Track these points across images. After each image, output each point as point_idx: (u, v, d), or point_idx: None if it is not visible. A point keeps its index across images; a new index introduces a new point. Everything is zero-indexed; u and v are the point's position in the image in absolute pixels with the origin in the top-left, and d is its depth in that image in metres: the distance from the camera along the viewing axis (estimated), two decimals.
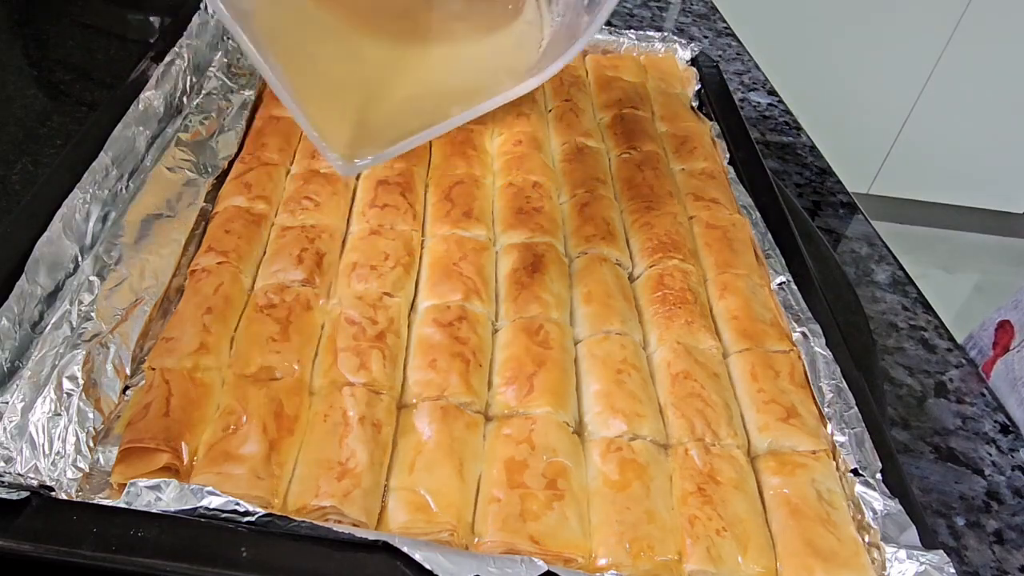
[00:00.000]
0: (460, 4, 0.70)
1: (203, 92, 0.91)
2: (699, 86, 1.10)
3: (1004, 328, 0.92)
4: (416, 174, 0.86)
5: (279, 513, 0.52)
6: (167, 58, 0.89)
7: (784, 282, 0.80)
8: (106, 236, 0.71)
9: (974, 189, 2.87)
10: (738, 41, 1.44)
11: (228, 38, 1.01)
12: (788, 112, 1.27)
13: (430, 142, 0.92)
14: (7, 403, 0.56)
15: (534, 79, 0.55)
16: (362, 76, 0.65)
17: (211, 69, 0.94)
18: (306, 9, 0.64)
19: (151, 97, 0.84)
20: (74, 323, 0.63)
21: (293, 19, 0.59)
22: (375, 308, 0.70)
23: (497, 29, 0.68)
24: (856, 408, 0.67)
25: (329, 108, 0.59)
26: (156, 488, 0.52)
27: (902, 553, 0.56)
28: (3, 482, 0.52)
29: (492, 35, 0.68)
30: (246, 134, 0.88)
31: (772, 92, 1.31)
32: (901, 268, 1.00)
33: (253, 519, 0.52)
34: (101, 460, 0.57)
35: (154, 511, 0.51)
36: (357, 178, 0.86)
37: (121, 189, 0.77)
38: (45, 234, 0.67)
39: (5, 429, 0.55)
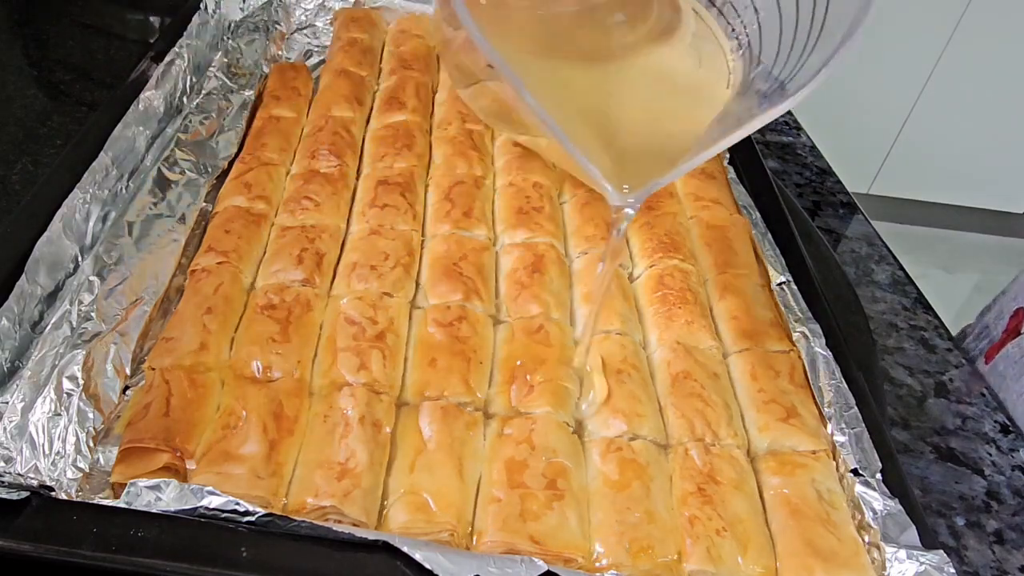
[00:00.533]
0: (616, 17, 0.70)
1: (203, 92, 0.91)
2: None
3: (1018, 315, 0.92)
4: (416, 174, 0.86)
5: (279, 513, 0.52)
6: (167, 58, 0.90)
7: (784, 282, 0.80)
8: (106, 236, 0.71)
9: (974, 189, 2.87)
10: None
11: (228, 38, 1.01)
12: (788, 112, 1.27)
13: (431, 143, 0.92)
14: (7, 403, 0.56)
15: (791, 100, 0.54)
16: (584, 104, 0.64)
17: (211, 69, 0.94)
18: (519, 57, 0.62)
19: (151, 97, 0.84)
20: (74, 323, 0.63)
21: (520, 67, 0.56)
22: (375, 308, 0.70)
23: (663, 36, 0.68)
24: (856, 408, 0.67)
25: (588, 144, 0.58)
26: (156, 488, 0.52)
27: (902, 553, 0.56)
28: (3, 482, 0.52)
29: (663, 43, 0.67)
30: (246, 134, 0.88)
31: None
32: (901, 268, 1.00)
33: (253, 519, 0.52)
34: (101, 460, 0.58)
35: (154, 511, 0.51)
36: (357, 178, 0.86)
37: (121, 189, 0.77)
38: (45, 234, 0.67)
39: (5, 429, 0.55)
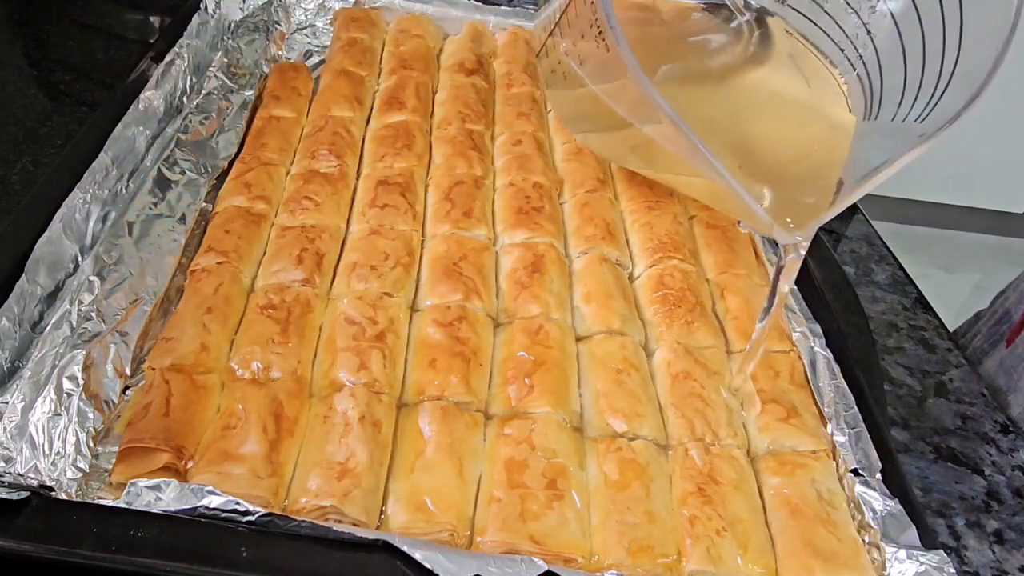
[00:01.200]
0: (710, 40, 0.68)
1: (203, 92, 0.91)
2: None
3: None
4: (416, 174, 0.86)
5: (279, 513, 0.52)
6: (167, 58, 0.90)
7: None
8: (106, 236, 0.71)
9: (974, 189, 2.87)
10: None
11: (228, 38, 1.01)
12: None
13: (431, 143, 0.92)
14: (7, 403, 0.56)
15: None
16: (716, 132, 0.62)
17: (211, 69, 0.94)
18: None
19: (151, 97, 0.84)
20: (74, 323, 0.63)
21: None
22: (375, 308, 0.70)
23: (758, 56, 0.67)
24: (856, 408, 0.67)
25: (740, 179, 0.55)
26: (156, 488, 0.52)
27: (902, 553, 0.56)
28: (3, 482, 0.52)
29: (761, 63, 0.66)
30: (246, 134, 0.88)
31: None
32: (901, 268, 1.00)
33: (253, 519, 0.52)
34: (101, 460, 0.57)
35: (154, 511, 0.51)
36: (357, 178, 0.86)
37: (121, 189, 0.77)
38: (45, 234, 0.67)
39: (5, 429, 0.55)
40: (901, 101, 0.58)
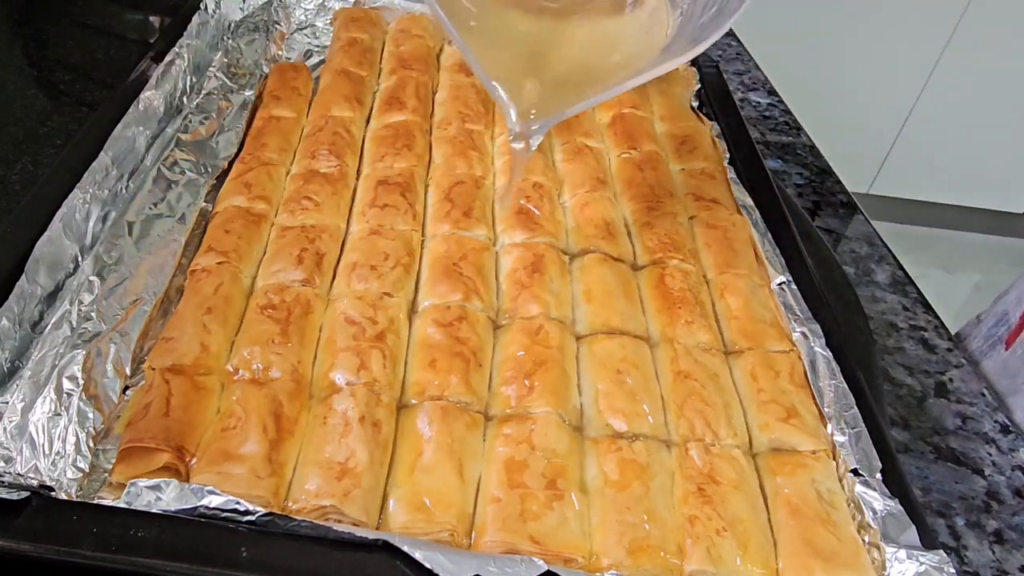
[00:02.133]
0: None
1: (203, 92, 0.91)
2: (699, 86, 1.10)
3: None
4: (416, 174, 0.86)
5: (279, 513, 0.52)
6: (167, 58, 0.90)
7: (784, 282, 0.80)
8: (106, 236, 0.71)
9: (974, 189, 2.87)
10: (738, 41, 1.44)
11: (228, 38, 1.01)
12: (788, 112, 1.27)
13: (431, 143, 0.92)
14: (7, 403, 0.56)
15: (680, 58, 0.63)
16: (525, 49, 0.71)
17: (211, 69, 0.94)
18: None
19: (151, 97, 0.84)
20: (74, 323, 0.63)
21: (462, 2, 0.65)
22: (375, 308, 0.70)
23: (621, 13, 0.74)
24: (856, 408, 0.67)
25: (506, 76, 0.65)
26: (156, 488, 0.52)
27: (902, 553, 0.56)
28: (3, 482, 0.52)
29: (620, 17, 0.74)
30: (246, 134, 0.88)
31: (772, 92, 1.31)
32: (901, 268, 1.00)
33: (253, 518, 0.52)
34: (101, 460, 0.58)
35: (154, 511, 0.51)
36: (357, 178, 0.86)
37: (121, 189, 0.77)
38: (45, 234, 0.67)
39: (5, 429, 0.55)
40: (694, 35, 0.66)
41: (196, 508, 0.52)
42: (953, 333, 0.96)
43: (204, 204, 0.79)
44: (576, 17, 0.74)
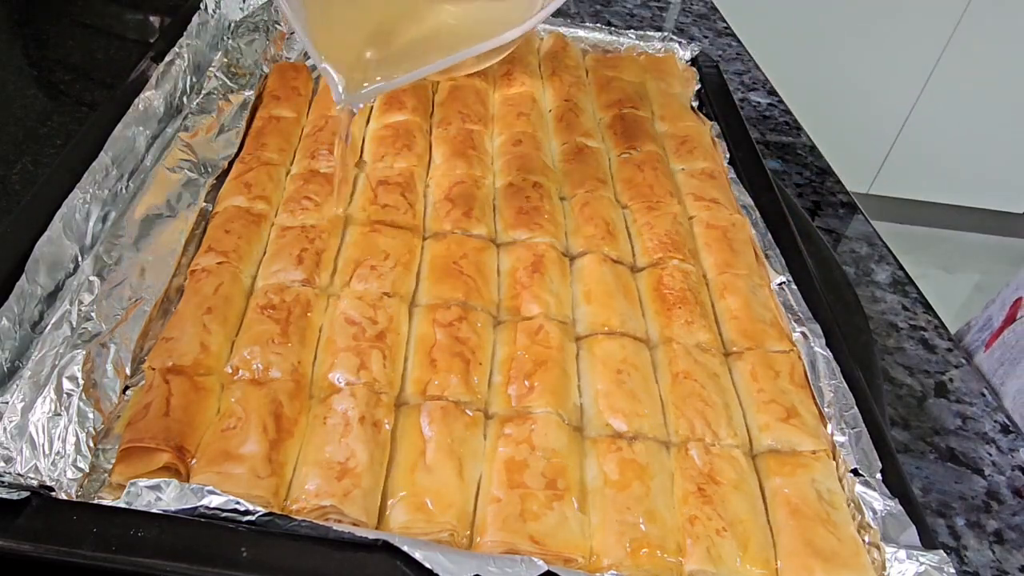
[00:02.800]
0: None
1: (203, 92, 0.91)
2: (699, 86, 1.10)
3: (1016, 304, 0.93)
4: (416, 174, 0.86)
5: (279, 512, 0.52)
6: (167, 58, 0.89)
7: (784, 282, 0.80)
8: (106, 236, 0.71)
9: (974, 189, 2.87)
10: (738, 41, 1.44)
11: (228, 38, 1.01)
12: (788, 112, 1.27)
13: (431, 143, 0.92)
14: (7, 403, 0.56)
15: (528, 23, 0.64)
16: (370, 16, 0.71)
17: (211, 69, 0.94)
18: None
19: (151, 97, 0.84)
20: (74, 323, 0.63)
21: None
22: (375, 308, 0.70)
23: None
24: (856, 408, 0.67)
25: (338, 40, 0.66)
26: (156, 488, 0.52)
27: (902, 553, 0.56)
28: (3, 482, 0.52)
29: None
30: (246, 134, 0.88)
31: (772, 92, 1.31)
32: (901, 268, 1.00)
33: (253, 518, 0.52)
34: (101, 460, 0.58)
35: (154, 511, 0.51)
36: (357, 178, 0.86)
37: (121, 189, 0.77)
38: (45, 234, 0.67)
39: (5, 429, 0.55)
40: None
41: (196, 508, 0.52)
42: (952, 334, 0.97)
43: (204, 204, 0.79)
44: None
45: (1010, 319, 0.93)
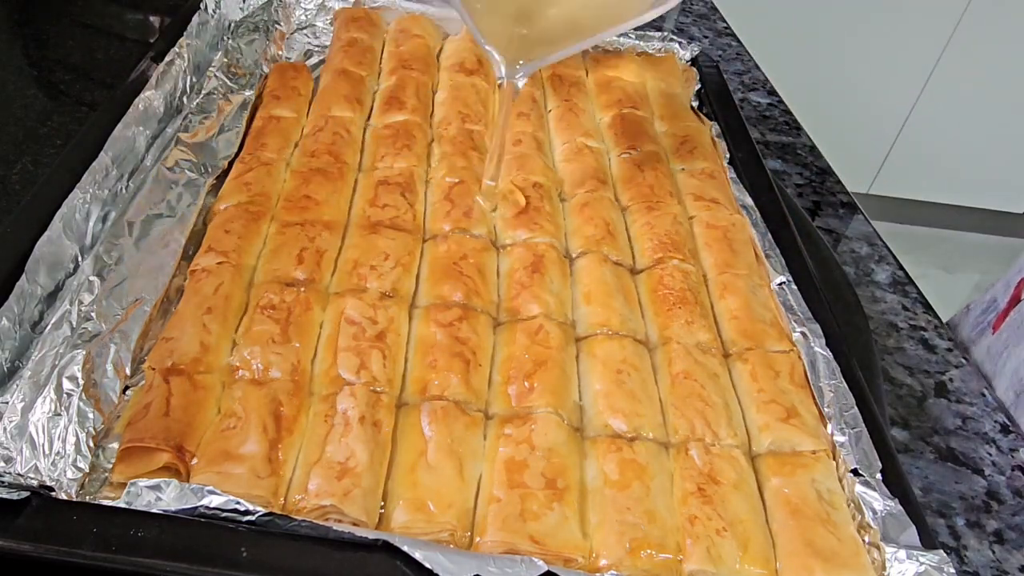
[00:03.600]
0: None
1: (203, 92, 0.91)
2: (699, 86, 1.10)
3: (1020, 284, 0.93)
4: (416, 174, 0.86)
5: (279, 512, 0.52)
6: (167, 58, 0.89)
7: (784, 282, 0.80)
8: (106, 236, 0.71)
9: (974, 189, 2.87)
10: (738, 41, 1.44)
11: (228, 38, 1.01)
12: (788, 112, 1.27)
13: (431, 143, 0.92)
14: (7, 403, 0.56)
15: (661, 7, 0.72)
16: (515, 8, 0.80)
17: (211, 69, 0.94)
18: None
19: (151, 97, 0.84)
20: (74, 323, 0.63)
21: None
22: (375, 308, 0.70)
23: None
24: (856, 408, 0.67)
25: (492, 23, 0.77)
26: (156, 488, 0.52)
27: (902, 553, 0.56)
28: (3, 482, 0.52)
29: None
30: (246, 134, 0.88)
31: (772, 92, 1.31)
32: (901, 268, 1.00)
33: (253, 518, 0.52)
34: (101, 460, 0.58)
35: (154, 511, 0.51)
36: (357, 177, 0.86)
37: (121, 189, 0.77)
38: (45, 234, 0.67)
39: (5, 429, 0.55)
40: None
41: (196, 508, 0.52)
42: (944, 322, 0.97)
43: (204, 204, 0.79)
44: None
45: (1015, 299, 0.93)
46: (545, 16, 0.80)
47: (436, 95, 1.00)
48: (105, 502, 0.54)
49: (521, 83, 0.77)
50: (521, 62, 0.76)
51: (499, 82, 0.77)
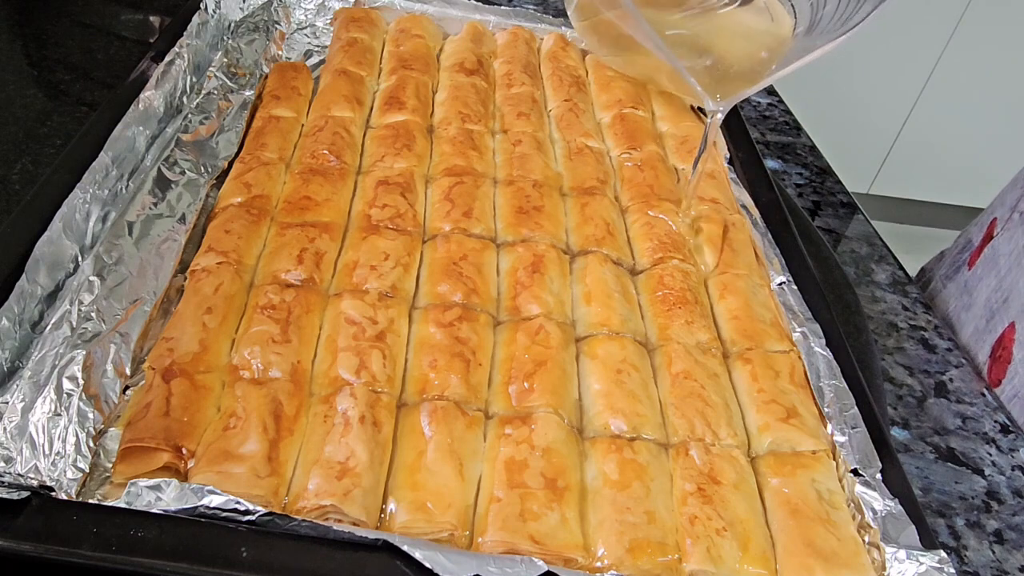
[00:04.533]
0: None
1: (203, 92, 0.91)
2: None
3: (992, 224, 0.99)
4: (416, 174, 0.86)
5: (279, 512, 0.52)
6: (167, 58, 0.89)
7: (784, 282, 0.80)
8: (106, 236, 0.71)
9: (974, 189, 2.87)
10: None
11: (228, 38, 1.01)
12: (788, 112, 1.27)
13: (431, 143, 0.92)
14: (7, 403, 0.56)
15: (843, 37, 0.77)
16: (685, 37, 0.88)
17: (211, 69, 0.94)
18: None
19: (151, 97, 0.84)
20: (74, 323, 0.63)
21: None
22: (375, 308, 0.70)
23: (743, 3, 0.91)
24: (856, 408, 0.67)
25: (686, 63, 0.83)
26: (156, 488, 0.52)
27: (902, 553, 0.56)
28: (3, 482, 0.52)
29: (743, 8, 0.90)
30: (246, 134, 0.88)
31: (772, 92, 1.31)
32: (901, 268, 1.00)
33: (253, 518, 0.52)
34: (101, 460, 0.58)
35: (154, 511, 0.51)
36: (357, 177, 0.86)
37: (121, 189, 0.77)
38: (45, 234, 0.67)
39: (5, 429, 0.55)
40: (831, 20, 0.80)
41: (196, 508, 0.52)
42: (918, 270, 1.06)
43: (204, 204, 0.79)
44: (709, 15, 0.90)
45: (988, 237, 0.97)
46: (718, 48, 0.86)
47: (436, 95, 1.00)
48: (105, 502, 0.54)
49: (721, 117, 0.82)
50: (718, 96, 0.81)
51: (708, 115, 0.82)
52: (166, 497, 0.52)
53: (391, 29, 1.10)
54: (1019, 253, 0.88)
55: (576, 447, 0.63)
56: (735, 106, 1.05)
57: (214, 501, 0.52)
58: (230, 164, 0.84)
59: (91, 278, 0.66)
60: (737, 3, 0.90)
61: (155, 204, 0.75)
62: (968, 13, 2.48)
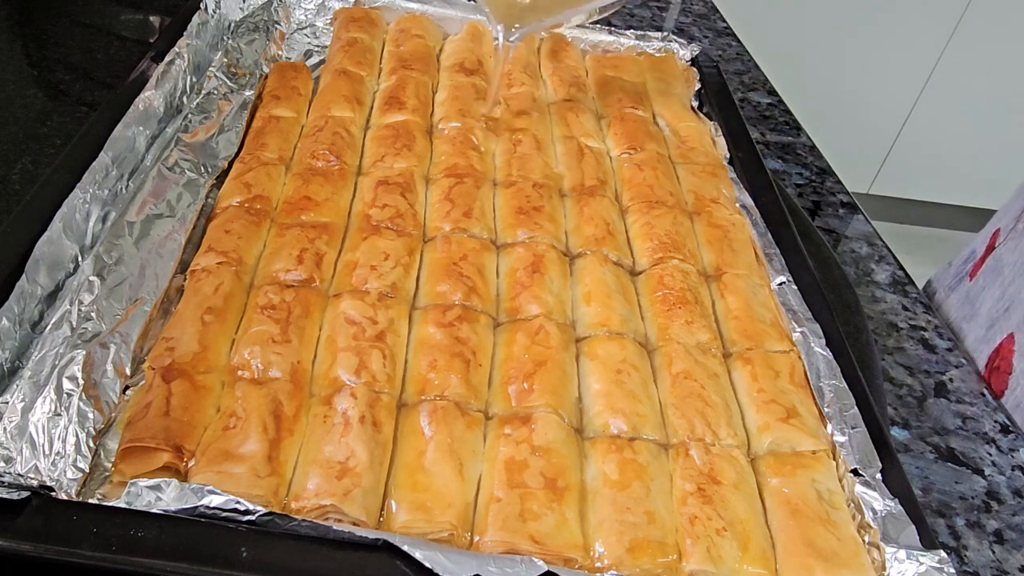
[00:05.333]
0: None
1: (203, 92, 0.91)
2: (699, 86, 1.10)
3: (995, 235, 0.99)
4: (416, 174, 0.86)
5: (279, 512, 0.52)
6: (167, 58, 0.90)
7: (784, 282, 0.80)
8: (106, 236, 0.71)
9: (974, 189, 2.87)
10: (738, 41, 1.44)
11: (228, 38, 1.01)
12: (788, 112, 1.27)
13: (431, 143, 0.92)
14: (7, 403, 0.56)
15: None
16: None
17: (211, 69, 0.94)
18: None
19: (151, 97, 0.84)
20: (74, 323, 0.63)
21: None
22: (375, 308, 0.70)
23: None
24: (856, 408, 0.67)
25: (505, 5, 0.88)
26: (156, 488, 0.52)
27: (902, 553, 0.56)
28: (3, 482, 0.52)
29: None
30: (246, 134, 0.88)
31: (772, 92, 1.31)
32: (901, 268, 1.00)
33: (253, 518, 0.52)
34: (101, 460, 0.57)
35: (154, 511, 0.51)
36: (357, 178, 0.86)
37: (121, 189, 0.77)
38: (45, 234, 0.67)
39: (5, 429, 0.55)
40: None
41: (196, 508, 0.52)
42: (925, 282, 1.06)
43: (204, 204, 0.79)
44: None
45: (990, 248, 0.98)
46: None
47: (436, 95, 1.00)
48: (105, 502, 0.54)
49: (514, 46, 0.90)
50: (516, 26, 0.88)
51: (495, 43, 0.90)
52: (166, 497, 0.52)
53: (391, 29, 1.10)
54: (1023, 264, 0.88)
55: (576, 447, 0.63)
56: (735, 106, 1.05)
57: (214, 501, 0.52)
58: (230, 164, 0.84)
59: (91, 278, 0.66)
60: None
61: (155, 204, 0.75)
62: (968, 13, 2.48)
